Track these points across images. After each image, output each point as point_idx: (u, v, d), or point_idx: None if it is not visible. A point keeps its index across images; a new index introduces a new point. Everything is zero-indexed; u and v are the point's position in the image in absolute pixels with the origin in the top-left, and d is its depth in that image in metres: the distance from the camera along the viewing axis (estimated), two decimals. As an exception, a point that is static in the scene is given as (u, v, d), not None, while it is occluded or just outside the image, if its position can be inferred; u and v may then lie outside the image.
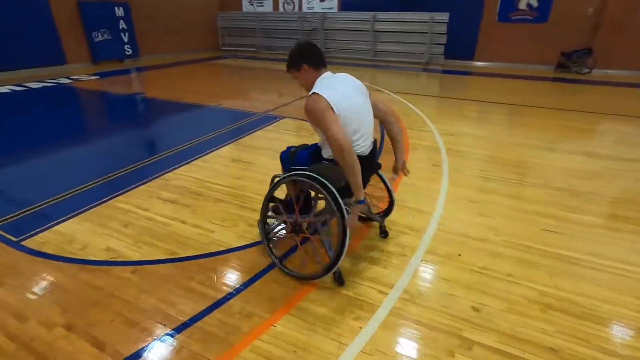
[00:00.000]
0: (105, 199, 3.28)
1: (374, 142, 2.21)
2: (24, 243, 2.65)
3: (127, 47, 11.70)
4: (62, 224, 2.89)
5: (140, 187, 3.51)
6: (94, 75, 9.53)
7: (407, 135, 4.92)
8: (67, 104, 7.10)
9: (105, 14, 10.94)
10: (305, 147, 2.36)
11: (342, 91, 1.98)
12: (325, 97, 1.87)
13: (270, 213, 2.34)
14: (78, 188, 3.49)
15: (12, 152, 4.47)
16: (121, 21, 11.33)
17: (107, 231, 2.79)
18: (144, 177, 3.70)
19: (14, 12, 8.98)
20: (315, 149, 2.28)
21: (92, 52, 10.97)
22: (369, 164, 2.17)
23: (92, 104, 7.35)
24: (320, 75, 2.04)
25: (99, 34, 10.96)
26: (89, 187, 3.52)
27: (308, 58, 2.04)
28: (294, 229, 2.24)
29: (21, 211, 3.08)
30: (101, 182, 3.64)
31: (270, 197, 2.23)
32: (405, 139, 4.71)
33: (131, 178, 3.71)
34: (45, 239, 2.70)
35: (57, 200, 3.27)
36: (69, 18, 10.29)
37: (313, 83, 2.03)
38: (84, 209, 3.11)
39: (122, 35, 11.47)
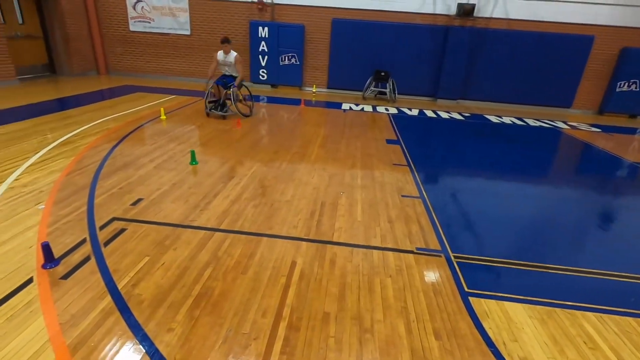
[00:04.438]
0: (572, 303, 2.31)
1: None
2: (471, 299, 2.28)
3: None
4: (512, 303, 2.27)
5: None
6: (593, 126, 8.39)
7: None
8: (557, 149, 6.60)
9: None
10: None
11: None
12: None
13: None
14: (553, 266, 2.74)
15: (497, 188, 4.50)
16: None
17: (555, 348, 1.85)
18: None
19: (554, 51, 9.38)
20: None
21: (603, 102, 9.75)
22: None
23: (584, 158, 6.39)
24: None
25: (625, 84, 9.42)
26: (569, 273, 2.68)
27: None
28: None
29: (483, 258, 2.78)
30: (594, 275, 2.68)
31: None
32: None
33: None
34: (490, 310, 2.19)
35: (523, 267, 2.71)
36: (602, 65, 9.49)
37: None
38: (544, 299, 2.32)
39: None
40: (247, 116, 6.69)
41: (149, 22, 10.24)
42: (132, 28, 10.33)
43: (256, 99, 8.81)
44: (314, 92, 10.26)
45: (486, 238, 3.05)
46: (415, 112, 8.56)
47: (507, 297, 2.29)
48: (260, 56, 10.07)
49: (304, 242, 2.75)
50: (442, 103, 10.07)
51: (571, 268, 2.69)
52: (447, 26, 9.49)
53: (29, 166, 3.78)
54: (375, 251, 2.70)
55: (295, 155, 4.79)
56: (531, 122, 8.22)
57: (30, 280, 2.13)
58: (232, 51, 6.16)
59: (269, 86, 10.49)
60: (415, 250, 2.74)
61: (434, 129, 7.27)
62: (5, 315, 1.86)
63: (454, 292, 2.30)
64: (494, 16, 9.46)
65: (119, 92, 8.42)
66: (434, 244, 2.85)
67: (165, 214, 3.01)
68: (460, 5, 9.17)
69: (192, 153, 4.22)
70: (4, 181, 3.39)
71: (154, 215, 2.97)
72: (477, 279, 2.47)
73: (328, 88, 10.56)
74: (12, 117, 5.62)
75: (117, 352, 1.70)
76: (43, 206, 2.99)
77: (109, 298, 2.04)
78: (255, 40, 9.91)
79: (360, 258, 2.60)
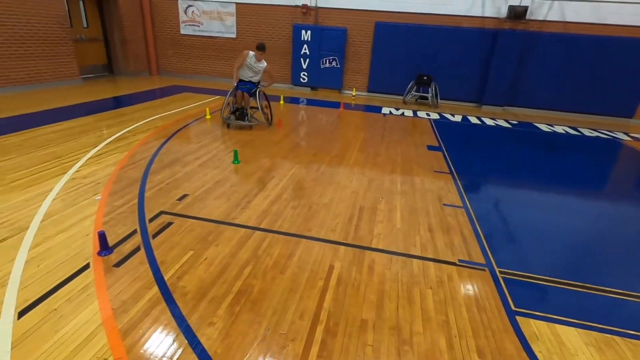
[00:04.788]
0: (636, 333, 2.10)
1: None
2: (518, 318, 2.14)
3: None
4: (565, 326, 2.11)
5: None
6: (661, 138, 7.65)
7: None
8: (616, 161, 6.09)
9: None
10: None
11: None
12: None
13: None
14: (612, 290, 2.53)
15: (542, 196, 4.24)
16: None
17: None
18: None
19: (616, 56, 8.69)
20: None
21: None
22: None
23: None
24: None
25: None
26: (631, 298, 2.46)
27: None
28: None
29: (531, 275, 2.62)
30: None
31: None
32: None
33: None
34: (540, 332, 2.05)
35: (576, 287, 2.52)
36: (673, 71, 8.63)
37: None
38: (602, 325, 2.13)
39: None
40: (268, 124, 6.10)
41: (198, 26, 10.73)
42: (182, 31, 10.88)
43: (295, 101, 8.93)
44: (353, 96, 10.23)
45: (534, 254, 2.87)
46: (458, 118, 8.27)
47: (559, 319, 2.13)
48: (301, 59, 10.21)
49: (341, 246, 2.73)
50: (487, 109, 9.65)
51: (633, 293, 2.46)
52: (496, 29, 9.09)
53: (88, 159, 4.08)
54: (415, 260, 2.62)
55: (334, 158, 4.79)
56: (587, 132, 7.66)
57: (87, 266, 2.29)
58: (263, 60, 5.70)
59: (309, 89, 10.60)
60: (457, 262, 2.63)
61: (478, 136, 6.98)
62: (66, 297, 2.01)
63: (500, 309, 2.18)
64: (548, 19, 8.93)
65: (168, 92, 8.88)
66: (478, 257, 2.73)
67: (208, 211, 3.11)
68: (511, 8, 8.75)
69: (235, 152, 4.34)
70: (67, 172, 3.68)
71: (198, 211, 3.09)
72: (524, 297, 2.32)
73: (368, 92, 10.49)
74: (75, 113, 6.11)
75: (163, 340, 1.78)
76: (100, 197, 3.21)
77: (156, 288, 2.14)
78: (297, 43, 10.06)
79: (400, 266, 2.53)
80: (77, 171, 3.73)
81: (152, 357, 1.68)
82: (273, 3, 10.02)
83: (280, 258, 2.52)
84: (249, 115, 5.86)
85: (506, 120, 8.34)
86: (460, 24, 9.33)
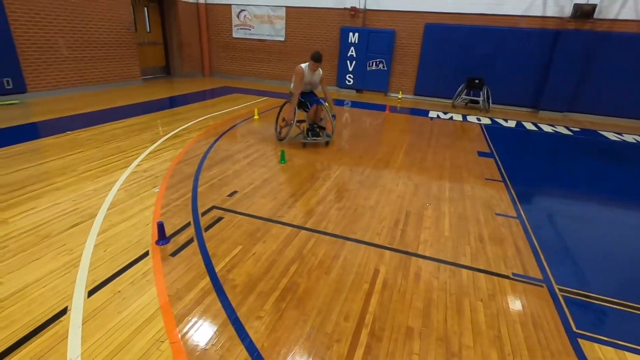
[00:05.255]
0: None
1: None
2: (580, 341, 1.98)
3: None
4: (637, 355, 1.91)
5: None
6: None
7: None
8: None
9: None
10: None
11: None
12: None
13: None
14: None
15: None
16: None
17: None
18: None
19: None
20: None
21: None
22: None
23: None
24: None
25: None
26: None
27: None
28: None
29: (596, 295, 2.41)
30: None
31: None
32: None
33: None
34: (606, 358, 1.87)
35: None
36: None
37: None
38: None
39: None
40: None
41: (249, 29, 11.12)
42: (234, 35, 11.34)
43: (340, 103, 8.95)
44: (399, 99, 10.05)
45: (598, 272, 2.63)
46: (512, 123, 7.82)
47: (630, 347, 1.94)
48: (348, 61, 10.22)
49: (387, 251, 2.69)
50: (545, 115, 9.03)
51: None
52: (558, 30, 8.49)
53: (147, 154, 4.38)
54: (464, 270, 2.51)
55: (380, 161, 4.73)
56: (662, 142, 6.89)
57: (146, 254, 2.46)
58: (319, 69, 4.92)
59: (354, 91, 10.58)
60: (511, 276, 2.49)
61: (535, 143, 6.55)
62: (128, 281, 2.17)
63: (559, 330, 2.03)
64: (620, 17, 8.18)
65: (219, 92, 9.30)
66: (534, 272, 2.55)
67: (256, 208, 3.21)
68: (577, 6, 8.13)
69: (282, 152, 4.44)
70: (129, 165, 3.98)
71: (246, 208, 3.20)
72: (587, 319, 2.14)
73: (415, 94, 10.25)
74: (137, 111, 6.59)
75: (213, 329, 1.86)
76: (158, 189, 3.43)
77: (207, 279, 2.25)
78: (344, 45, 10.09)
79: (448, 275, 2.44)
80: (138, 165, 4.01)
81: (203, 344, 1.77)
82: (322, 6, 10.14)
83: (325, 258, 2.54)
84: (323, 129, 5.24)
85: (567, 127, 7.75)
86: (517, 24, 8.83)
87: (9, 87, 6.69)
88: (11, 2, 6.50)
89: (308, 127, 5.20)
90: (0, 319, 1.85)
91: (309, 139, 5.08)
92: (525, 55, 8.94)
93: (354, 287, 2.26)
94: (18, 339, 1.74)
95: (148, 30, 10.37)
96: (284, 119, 5.20)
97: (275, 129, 5.44)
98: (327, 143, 5.25)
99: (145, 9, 10.13)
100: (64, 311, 1.92)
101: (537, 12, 8.66)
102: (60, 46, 7.45)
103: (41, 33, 7.07)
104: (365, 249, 2.69)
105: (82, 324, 1.84)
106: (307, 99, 5.08)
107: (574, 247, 2.97)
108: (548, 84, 8.84)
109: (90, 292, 2.07)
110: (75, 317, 1.88)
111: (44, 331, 1.79)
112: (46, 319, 1.86)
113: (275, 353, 1.75)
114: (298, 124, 5.21)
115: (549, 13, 8.60)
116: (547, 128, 7.56)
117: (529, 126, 7.66)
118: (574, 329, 2.05)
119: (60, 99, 7.19)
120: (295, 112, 4.91)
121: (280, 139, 5.23)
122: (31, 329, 1.80)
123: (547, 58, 8.77)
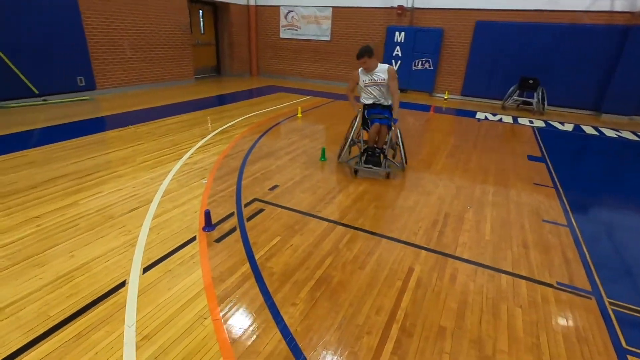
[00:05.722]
0: None
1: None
2: (631, 358, 1.85)
3: None
4: (699, 378, 1.75)
5: None
6: None
7: None
8: None
9: None
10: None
11: None
12: None
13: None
14: None
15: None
16: None
17: None
18: None
19: None
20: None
21: None
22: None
23: None
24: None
25: None
26: None
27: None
28: None
29: (649, 307, 2.23)
30: None
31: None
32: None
33: None
34: (660, 379, 1.74)
35: None
36: None
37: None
38: None
39: None
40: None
41: (296, 30, 11.37)
42: (281, 35, 11.65)
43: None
44: (445, 99, 9.76)
45: (660, 290, 2.42)
46: (569, 127, 7.30)
47: (688, 369, 1.79)
48: (393, 61, 10.10)
49: (423, 251, 2.67)
50: (608, 118, 8.31)
51: None
52: (628, 25, 7.77)
53: (198, 148, 4.68)
54: (504, 275, 2.44)
55: (421, 162, 4.66)
56: None
57: (194, 238, 2.66)
58: (379, 64, 3.92)
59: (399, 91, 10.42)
60: (555, 285, 2.37)
61: (594, 148, 6.07)
62: (179, 261, 2.38)
63: (607, 345, 1.91)
64: None
65: (264, 91, 9.62)
66: (582, 283, 2.41)
67: (295, 202, 3.33)
68: (651, 0, 7.38)
69: (323, 150, 4.54)
70: (181, 157, 4.29)
71: (286, 201, 3.33)
72: (639, 336, 1.99)
73: (462, 95, 9.89)
74: (189, 108, 7.04)
75: (251, 312, 1.99)
76: (206, 181, 3.67)
77: (247, 265, 2.39)
78: (390, 45, 9.98)
79: (486, 279, 2.39)
80: (189, 157, 4.31)
81: (241, 323, 1.90)
82: (369, 5, 10.11)
83: (360, 254, 2.58)
84: (385, 157, 3.98)
85: (633, 132, 7.08)
86: (579, 20, 8.20)
87: (81, 85, 7.45)
88: (86, 8, 7.22)
89: (364, 150, 3.98)
90: (70, 287, 2.12)
91: (362, 166, 3.93)
92: (586, 54, 8.28)
93: (387, 283, 2.28)
94: (86, 304, 1.99)
95: (202, 32, 10.98)
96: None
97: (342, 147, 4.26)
98: (387, 175, 4.00)
99: (200, 11, 10.74)
100: (122, 284, 2.15)
101: (604, 7, 7.98)
102: (124, 47, 8.15)
103: (110, 36, 7.78)
104: (400, 247, 2.70)
105: (138, 297, 2.05)
106: (371, 114, 4.03)
107: (630, 261, 2.75)
108: (613, 84, 8.12)
109: (145, 269, 2.29)
110: (132, 290, 2.10)
111: (106, 299, 2.03)
112: (108, 289, 2.10)
113: (307, 338, 1.83)
114: (360, 143, 4.09)
115: (617, 8, 7.89)
116: (609, 133, 6.96)
117: (589, 130, 7.10)
118: (624, 345, 1.92)
119: (124, 96, 7.87)
120: (352, 126, 4.09)
121: (339, 159, 4.24)
122: (96, 297, 2.04)
123: (613, 56, 8.06)
